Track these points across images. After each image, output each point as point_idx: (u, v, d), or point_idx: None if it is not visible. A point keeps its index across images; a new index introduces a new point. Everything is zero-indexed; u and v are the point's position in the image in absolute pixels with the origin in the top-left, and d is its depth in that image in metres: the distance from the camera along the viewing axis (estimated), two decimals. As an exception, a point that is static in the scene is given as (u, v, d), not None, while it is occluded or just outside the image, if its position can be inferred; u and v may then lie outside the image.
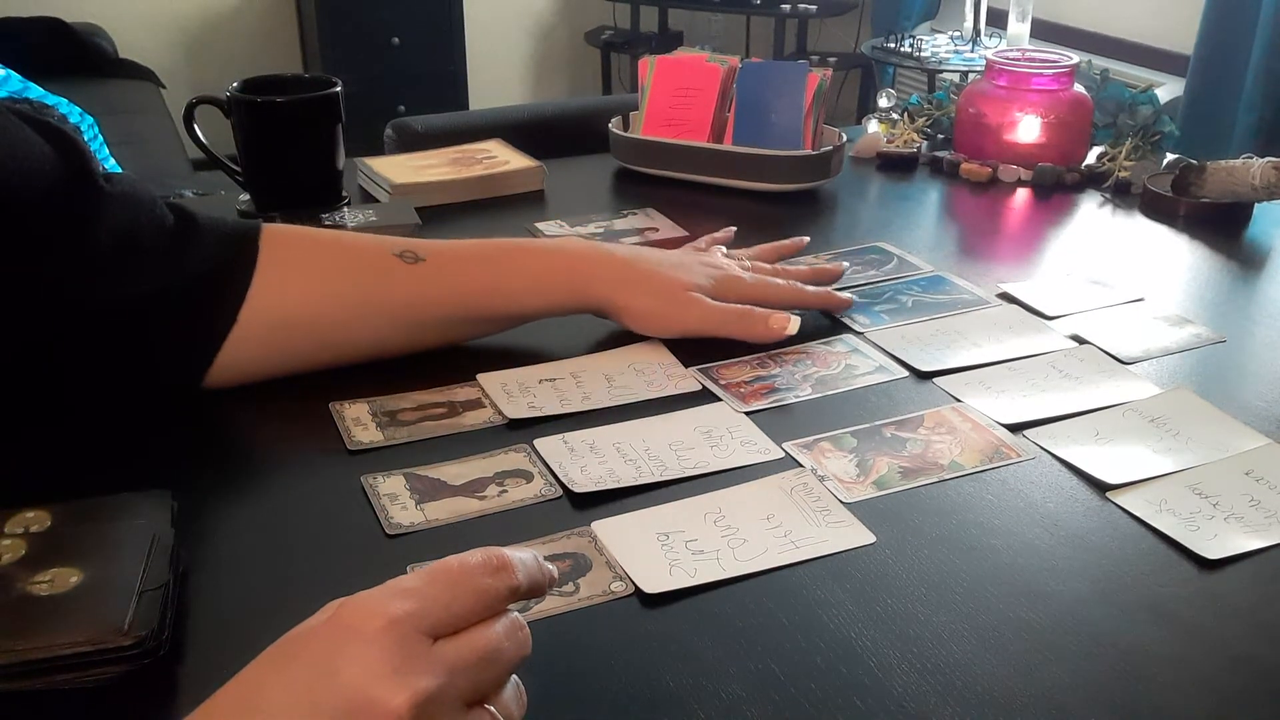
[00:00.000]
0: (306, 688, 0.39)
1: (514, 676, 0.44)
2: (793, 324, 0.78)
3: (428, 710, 0.39)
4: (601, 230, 1.01)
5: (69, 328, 0.66)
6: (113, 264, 0.67)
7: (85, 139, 1.89)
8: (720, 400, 0.73)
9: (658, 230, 1.02)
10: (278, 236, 0.74)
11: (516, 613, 0.44)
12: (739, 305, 0.79)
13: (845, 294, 0.85)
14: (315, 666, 0.39)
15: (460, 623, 0.42)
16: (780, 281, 0.83)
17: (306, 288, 0.73)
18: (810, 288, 0.84)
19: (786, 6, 3.48)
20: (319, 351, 0.74)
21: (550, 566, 0.46)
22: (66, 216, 0.65)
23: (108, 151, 2.09)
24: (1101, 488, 0.64)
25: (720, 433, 0.69)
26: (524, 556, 0.45)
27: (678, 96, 1.15)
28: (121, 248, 0.67)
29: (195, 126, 1.01)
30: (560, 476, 0.64)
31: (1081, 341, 0.81)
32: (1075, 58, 1.17)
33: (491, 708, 0.42)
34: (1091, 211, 1.10)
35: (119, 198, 0.68)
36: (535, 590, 0.45)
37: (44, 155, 0.65)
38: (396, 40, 3.43)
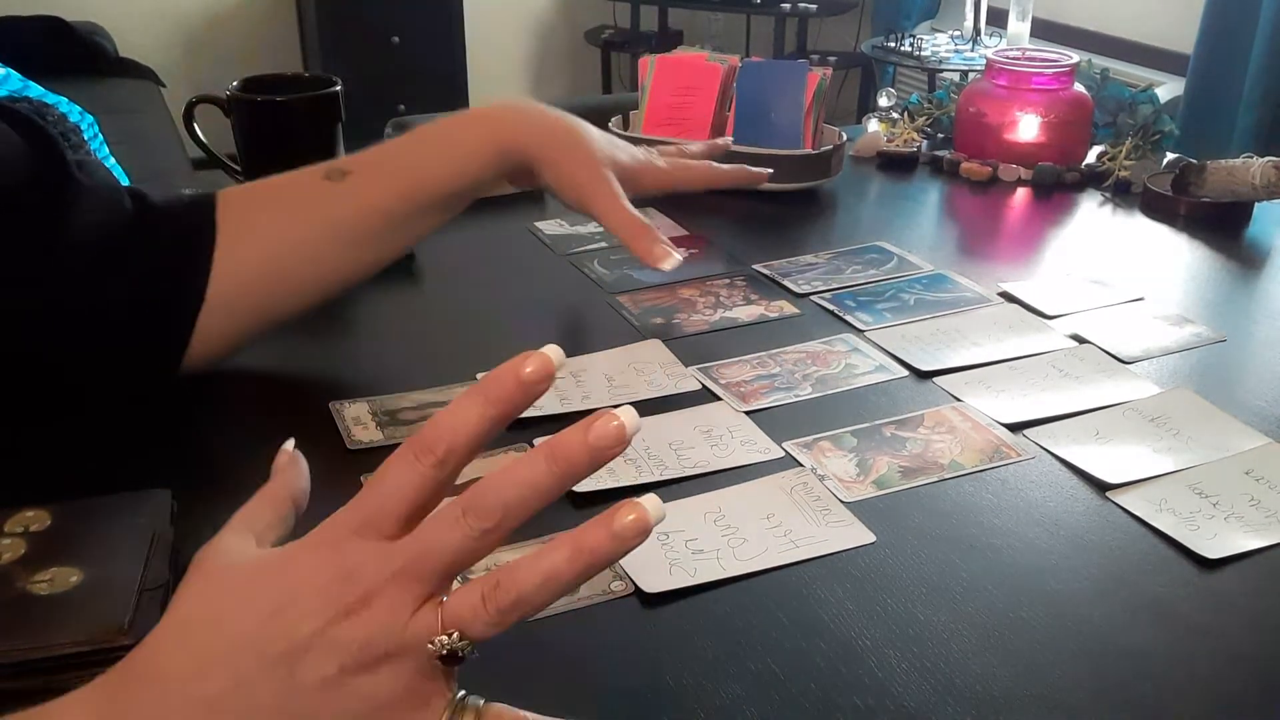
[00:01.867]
0: (261, 596, 0.40)
1: (498, 581, 0.39)
2: (671, 260, 0.77)
3: (377, 603, 0.39)
4: (601, 229, 1.01)
5: (47, 326, 0.66)
6: (88, 259, 0.67)
7: (85, 135, 1.90)
8: (720, 400, 0.73)
9: (658, 229, 1.01)
10: (228, 201, 0.73)
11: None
12: (642, 219, 0.78)
13: (758, 169, 0.91)
14: (269, 575, 0.41)
15: (399, 517, 0.41)
16: (695, 163, 0.88)
17: (255, 244, 0.72)
18: (725, 165, 0.89)
19: (786, 5, 3.48)
20: (287, 300, 0.74)
21: (537, 362, 0.40)
22: (39, 211, 0.65)
23: (108, 150, 2.09)
24: (1101, 487, 0.64)
25: (720, 432, 0.69)
26: (456, 408, 0.40)
27: (678, 96, 1.15)
28: (96, 242, 0.67)
29: (195, 125, 1.01)
30: (560, 476, 0.64)
31: (1081, 341, 0.81)
32: (1075, 57, 1.17)
33: (440, 609, 0.40)
34: (1091, 211, 1.10)
35: (91, 191, 0.68)
36: (487, 425, 0.40)
37: (14, 146, 0.65)
38: (396, 40, 3.42)
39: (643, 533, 0.39)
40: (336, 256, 0.75)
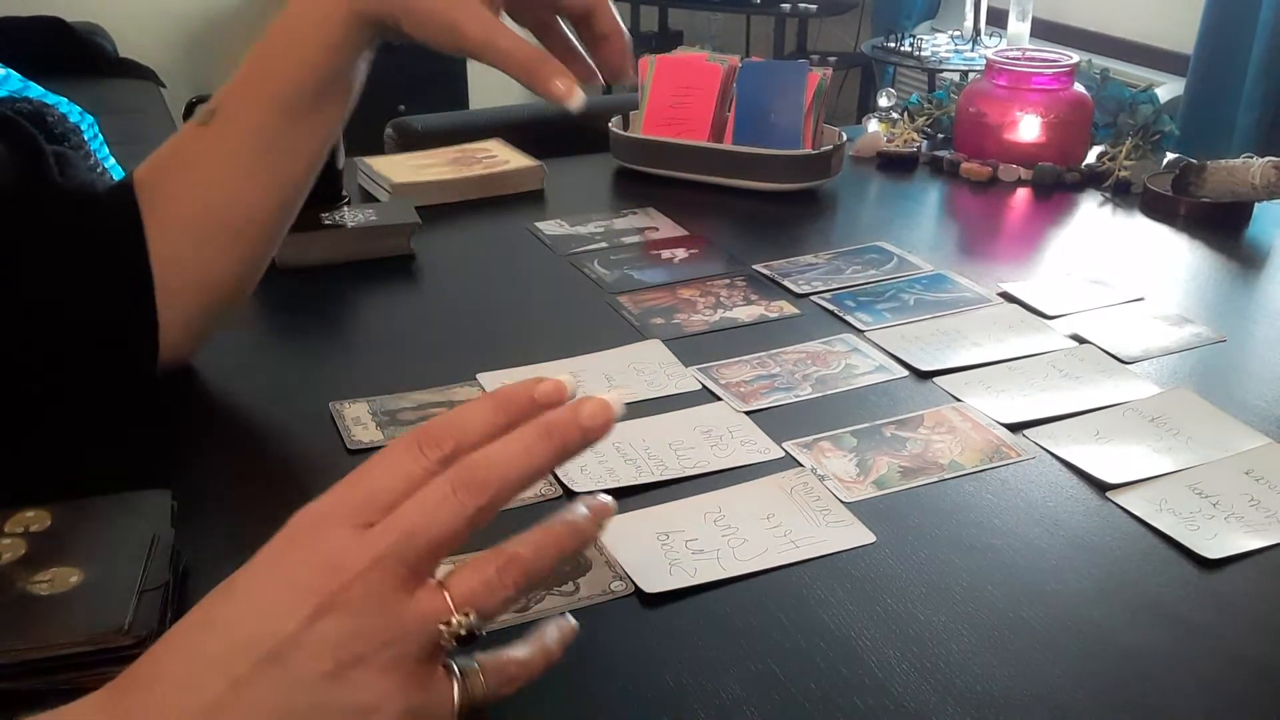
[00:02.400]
0: (254, 595, 0.40)
1: (503, 559, 0.41)
2: (577, 99, 0.66)
3: (365, 590, 0.39)
4: (602, 229, 1.01)
5: (16, 326, 0.66)
6: (58, 260, 0.67)
7: (85, 136, 1.89)
8: (720, 400, 0.73)
9: (658, 230, 1.02)
10: (141, 183, 0.72)
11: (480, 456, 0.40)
12: (536, 47, 0.66)
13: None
14: (260, 576, 0.41)
15: (390, 507, 0.40)
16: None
17: (175, 213, 0.71)
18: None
19: (786, 6, 3.48)
20: (234, 249, 0.72)
21: (552, 384, 0.42)
22: (13, 212, 0.65)
23: (108, 151, 2.09)
24: (1101, 487, 0.64)
25: (720, 432, 0.69)
26: (468, 409, 0.41)
27: (678, 96, 1.15)
28: (68, 242, 0.67)
29: (195, 126, 1.01)
30: (560, 475, 0.64)
31: (1081, 341, 0.81)
32: (1075, 57, 1.17)
33: (446, 591, 0.40)
34: (1091, 211, 1.10)
35: (70, 194, 0.68)
36: (490, 428, 0.41)
37: None
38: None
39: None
40: (249, 189, 0.71)
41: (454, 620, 0.39)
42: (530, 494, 0.63)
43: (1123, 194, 1.12)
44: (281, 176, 0.72)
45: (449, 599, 0.40)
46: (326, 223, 0.94)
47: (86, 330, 0.69)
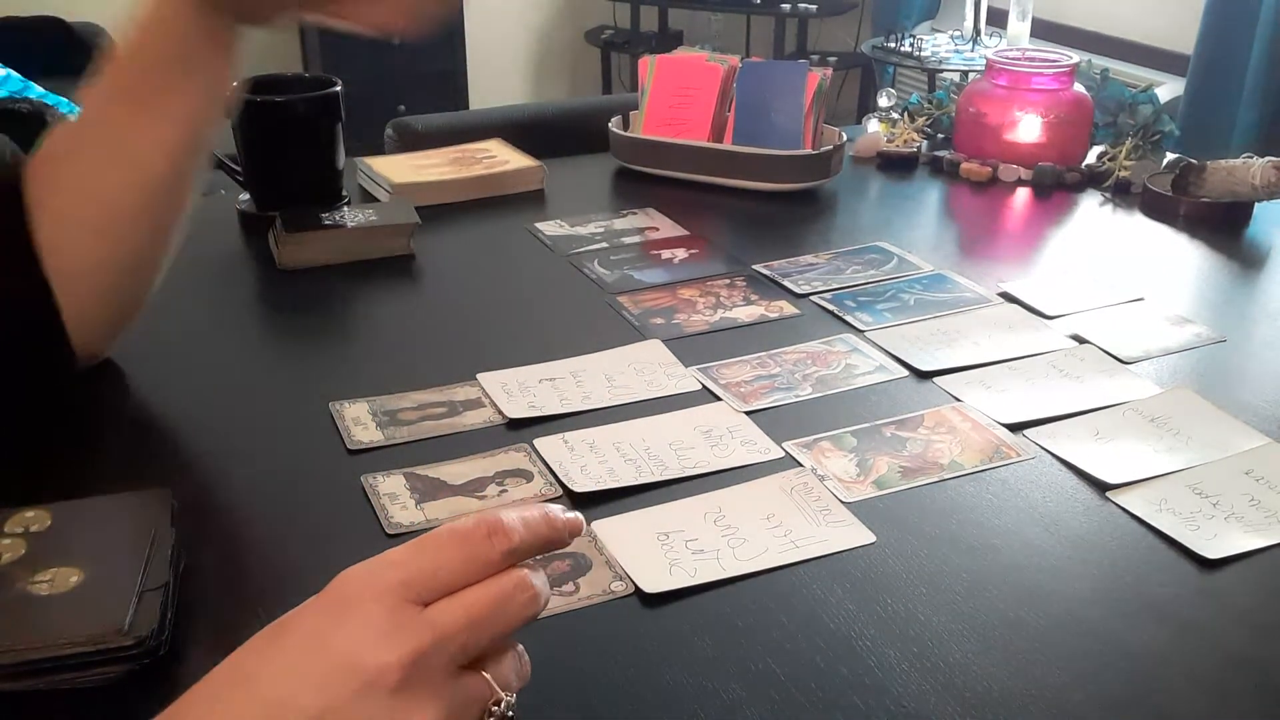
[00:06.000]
0: (298, 657, 0.39)
1: (519, 645, 0.44)
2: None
3: (418, 671, 0.39)
4: (602, 230, 1.01)
5: None
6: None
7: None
8: (720, 400, 0.73)
9: (658, 230, 1.02)
10: (32, 170, 0.70)
11: (529, 571, 0.43)
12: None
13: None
14: (306, 637, 0.40)
15: (449, 587, 0.41)
16: None
17: (49, 204, 0.69)
18: None
19: (786, 6, 3.48)
20: (99, 244, 0.70)
21: (571, 515, 0.45)
22: None
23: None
24: (1101, 487, 0.64)
25: (720, 432, 0.69)
26: (527, 515, 0.43)
27: (678, 96, 1.15)
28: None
29: (195, 126, 1.01)
30: (560, 476, 0.64)
31: (1081, 341, 0.81)
32: (1075, 57, 1.17)
33: (488, 675, 0.42)
34: (1091, 211, 1.10)
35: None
36: (543, 544, 0.44)
37: None
38: (396, 40, 3.42)
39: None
40: (108, 182, 0.70)
41: (503, 702, 0.41)
42: (531, 494, 0.63)
43: (1123, 194, 1.12)
44: (140, 169, 0.70)
45: (490, 681, 0.41)
46: (326, 223, 0.94)
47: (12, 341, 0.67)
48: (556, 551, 0.56)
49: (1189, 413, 0.71)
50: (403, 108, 3.08)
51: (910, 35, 3.19)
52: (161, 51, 0.69)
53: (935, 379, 0.76)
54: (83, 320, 0.71)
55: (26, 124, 1.90)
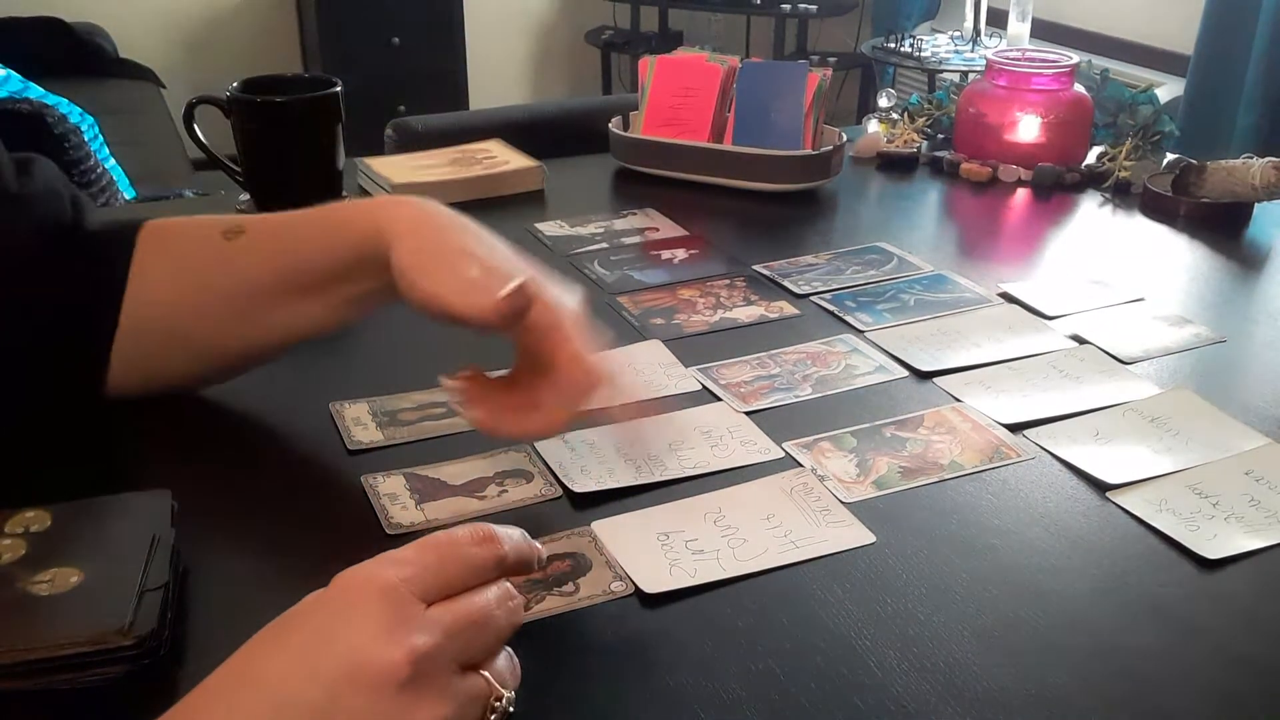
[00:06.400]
0: (304, 654, 0.40)
1: (507, 648, 0.45)
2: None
3: (424, 668, 0.40)
4: (602, 230, 1.01)
5: None
6: (21, 274, 0.65)
7: (85, 136, 1.89)
8: (720, 400, 0.73)
9: (658, 230, 1.02)
10: (153, 232, 0.70)
11: (508, 583, 0.45)
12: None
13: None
14: (313, 634, 0.40)
15: (451, 589, 0.43)
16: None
17: (160, 288, 0.68)
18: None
19: (786, 6, 3.48)
20: (188, 358, 0.70)
21: (538, 545, 0.47)
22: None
23: (108, 151, 2.09)
24: (1101, 488, 0.64)
25: (720, 433, 0.69)
26: (510, 532, 0.46)
27: (678, 96, 1.15)
28: (30, 258, 0.65)
29: (195, 126, 1.01)
30: (560, 476, 0.64)
31: (1081, 341, 0.81)
32: (1075, 58, 1.17)
33: (486, 673, 0.43)
34: (1091, 211, 1.10)
35: (19, 200, 0.66)
36: (523, 565, 0.46)
37: None
38: (396, 40, 3.42)
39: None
40: (228, 321, 0.68)
41: (504, 699, 0.42)
42: (531, 494, 0.63)
43: (1123, 194, 1.12)
44: (253, 335, 0.69)
45: (489, 679, 0.43)
46: (326, 223, 0.94)
47: (33, 354, 0.66)
48: (556, 552, 0.57)
49: (1189, 413, 0.71)
50: (403, 108, 3.08)
51: (910, 36, 3.19)
52: (323, 254, 0.67)
53: (935, 379, 0.76)
54: (129, 372, 0.69)
55: (27, 124, 1.90)
